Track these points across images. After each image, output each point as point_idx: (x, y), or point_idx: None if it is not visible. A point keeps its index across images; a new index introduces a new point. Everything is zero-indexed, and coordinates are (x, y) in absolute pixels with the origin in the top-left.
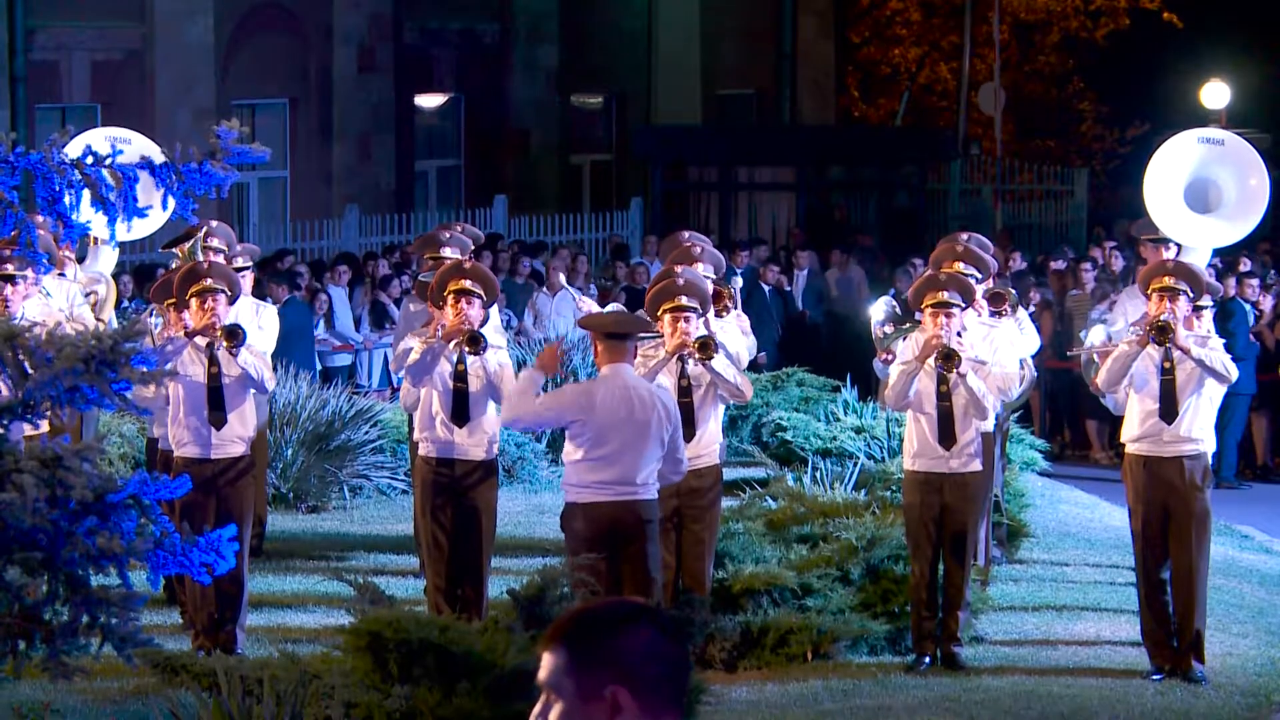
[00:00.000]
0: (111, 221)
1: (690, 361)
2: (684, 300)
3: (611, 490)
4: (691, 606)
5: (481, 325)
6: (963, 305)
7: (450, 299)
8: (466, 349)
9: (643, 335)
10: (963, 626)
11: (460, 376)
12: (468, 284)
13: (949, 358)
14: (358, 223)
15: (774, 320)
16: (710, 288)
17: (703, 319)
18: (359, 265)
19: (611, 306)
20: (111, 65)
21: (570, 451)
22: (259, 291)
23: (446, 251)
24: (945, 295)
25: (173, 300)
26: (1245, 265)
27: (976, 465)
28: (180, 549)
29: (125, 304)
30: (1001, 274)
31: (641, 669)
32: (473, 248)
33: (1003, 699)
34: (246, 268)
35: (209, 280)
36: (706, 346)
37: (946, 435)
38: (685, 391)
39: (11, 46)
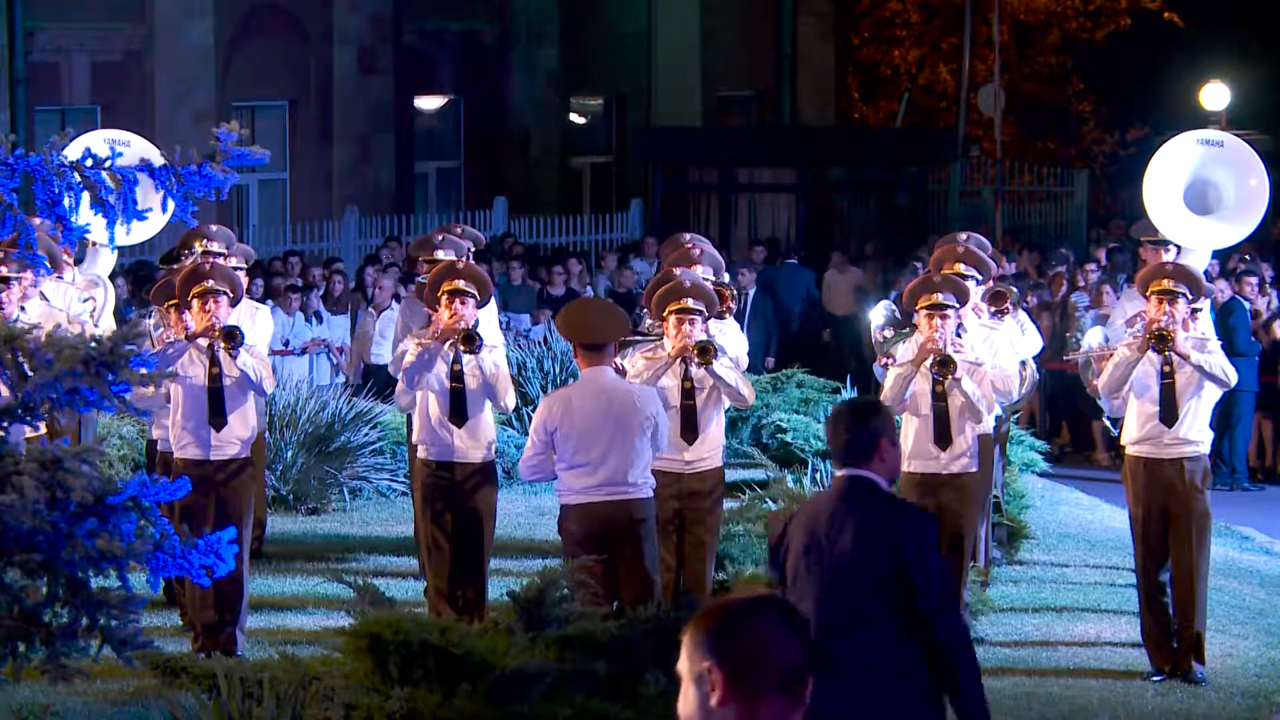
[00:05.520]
0: (111, 224)
1: (693, 364)
2: (690, 303)
3: (603, 492)
4: (692, 608)
5: (476, 324)
6: (957, 306)
7: (444, 299)
8: (462, 348)
9: (632, 339)
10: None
11: (456, 376)
12: (461, 284)
13: (945, 364)
14: (357, 225)
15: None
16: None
17: (707, 322)
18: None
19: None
20: (111, 67)
21: (559, 459)
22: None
23: (440, 254)
24: (939, 297)
25: (174, 301)
26: (1240, 266)
27: (973, 466)
28: (180, 551)
29: (121, 307)
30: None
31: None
32: (469, 250)
33: (1003, 700)
34: (240, 269)
35: (211, 281)
36: (706, 351)
37: (943, 437)
38: (688, 394)
39: (11, 48)
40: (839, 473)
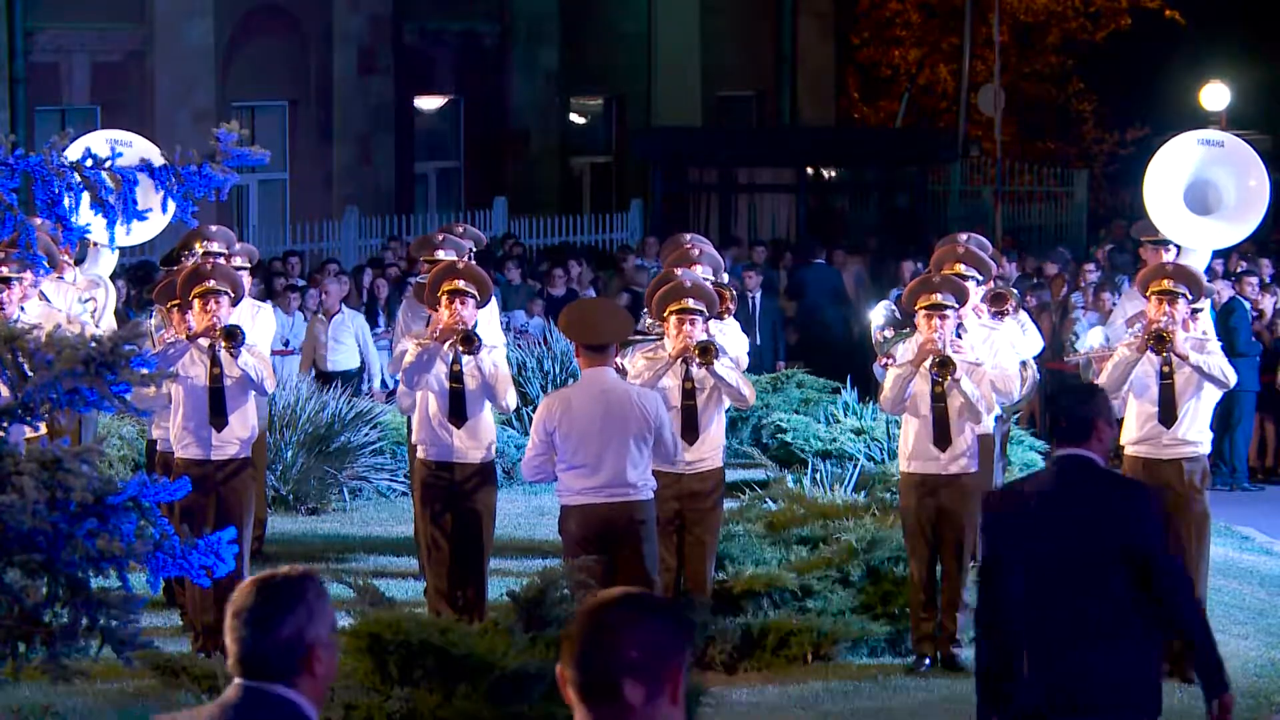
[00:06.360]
0: (111, 224)
1: (694, 364)
2: (690, 303)
3: (603, 493)
4: (692, 608)
5: (475, 325)
6: (957, 307)
7: (444, 299)
8: (461, 348)
9: (632, 339)
10: (962, 628)
11: (456, 376)
12: (461, 284)
13: (944, 365)
14: (357, 225)
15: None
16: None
17: (708, 322)
18: (357, 271)
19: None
20: (111, 67)
21: (559, 460)
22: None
23: (441, 254)
24: (939, 297)
25: (176, 301)
26: (1241, 266)
27: (973, 467)
28: (180, 551)
29: (121, 308)
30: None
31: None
32: (471, 249)
33: None
34: (243, 269)
35: (212, 281)
36: (707, 351)
37: (942, 437)
38: (689, 394)
39: (11, 48)
40: (1056, 452)
